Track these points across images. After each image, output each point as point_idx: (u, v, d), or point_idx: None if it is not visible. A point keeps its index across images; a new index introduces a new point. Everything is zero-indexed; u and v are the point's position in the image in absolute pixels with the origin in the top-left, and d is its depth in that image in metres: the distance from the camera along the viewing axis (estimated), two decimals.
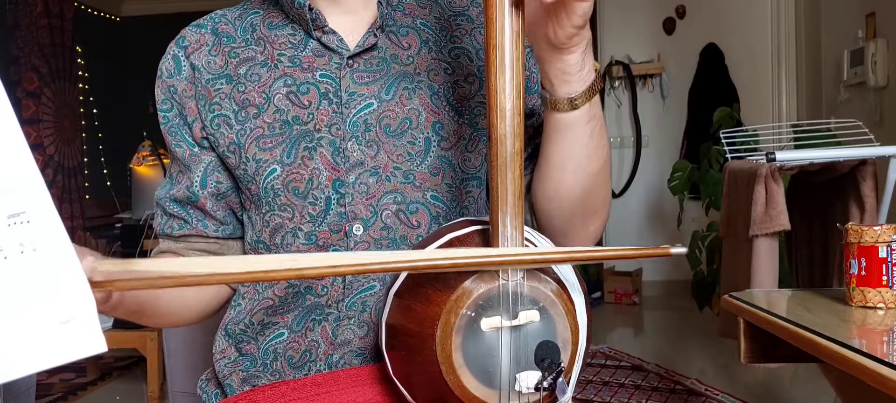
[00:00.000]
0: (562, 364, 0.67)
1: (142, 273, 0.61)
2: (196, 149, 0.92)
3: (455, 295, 0.66)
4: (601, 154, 0.81)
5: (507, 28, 0.66)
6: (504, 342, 0.67)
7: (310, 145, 0.86)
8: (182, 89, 0.91)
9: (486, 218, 0.76)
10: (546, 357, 0.67)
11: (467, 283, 0.66)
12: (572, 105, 0.75)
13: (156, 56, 0.93)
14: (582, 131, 0.78)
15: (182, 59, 0.91)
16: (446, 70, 0.90)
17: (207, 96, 0.90)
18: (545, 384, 0.66)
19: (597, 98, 0.77)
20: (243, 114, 0.88)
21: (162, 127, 0.93)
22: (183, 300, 0.91)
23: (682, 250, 0.64)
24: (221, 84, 0.89)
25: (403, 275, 0.73)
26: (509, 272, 0.67)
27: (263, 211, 0.89)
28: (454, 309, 0.66)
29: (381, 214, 0.86)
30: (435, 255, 0.70)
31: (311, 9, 0.87)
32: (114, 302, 0.72)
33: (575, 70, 0.74)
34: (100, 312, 0.69)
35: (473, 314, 0.66)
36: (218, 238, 0.95)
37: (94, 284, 0.57)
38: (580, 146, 0.79)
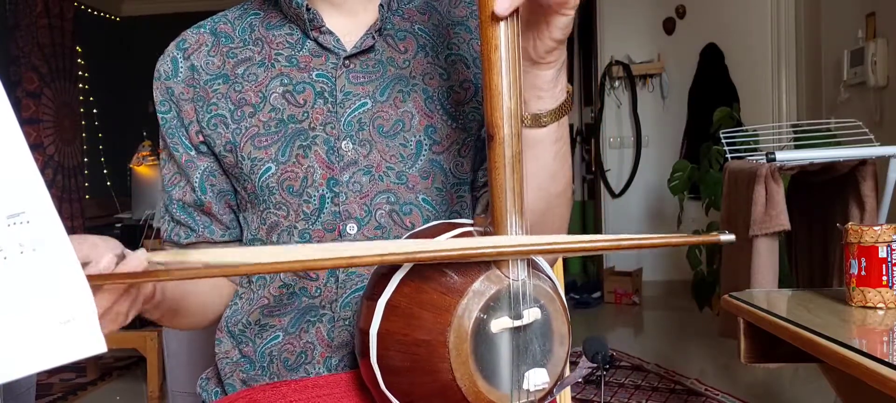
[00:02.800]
0: (613, 355, 0.68)
1: (194, 263, 0.64)
2: (192, 153, 0.92)
3: (466, 298, 0.65)
4: (563, 176, 0.80)
5: (504, 29, 0.65)
6: (512, 341, 0.67)
7: (304, 143, 0.86)
8: (179, 92, 0.91)
9: (463, 221, 0.75)
10: (599, 351, 0.67)
11: (476, 285, 0.65)
12: (540, 122, 0.74)
13: (156, 56, 0.93)
14: (547, 150, 0.77)
15: (180, 60, 0.92)
16: (442, 75, 0.90)
17: (205, 97, 0.90)
18: (600, 374, 0.67)
19: (565, 120, 0.76)
20: (239, 114, 0.88)
21: (162, 127, 0.93)
22: (204, 301, 0.92)
23: (731, 237, 0.65)
24: (219, 84, 0.90)
25: (394, 282, 0.70)
26: (518, 270, 0.66)
27: (260, 209, 0.89)
28: (467, 312, 0.65)
29: (375, 213, 0.86)
30: (465, 244, 0.68)
31: (308, 9, 0.87)
32: (156, 301, 0.74)
33: (548, 86, 0.73)
34: (143, 310, 0.71)
35: (485, 316, 0.66)
36: (226, 242, 0.95)
37: (149, 275, 0.61)
38: (543, 164, 0.78)
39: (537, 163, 0.77)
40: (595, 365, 0.69)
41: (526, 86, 0.73)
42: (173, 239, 0.96)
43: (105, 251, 0.63)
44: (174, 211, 0.94)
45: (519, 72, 0.67)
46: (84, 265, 0.61)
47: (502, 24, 0.65)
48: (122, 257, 0.63)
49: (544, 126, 0.75)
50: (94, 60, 5.31)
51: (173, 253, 0.66)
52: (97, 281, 0.60)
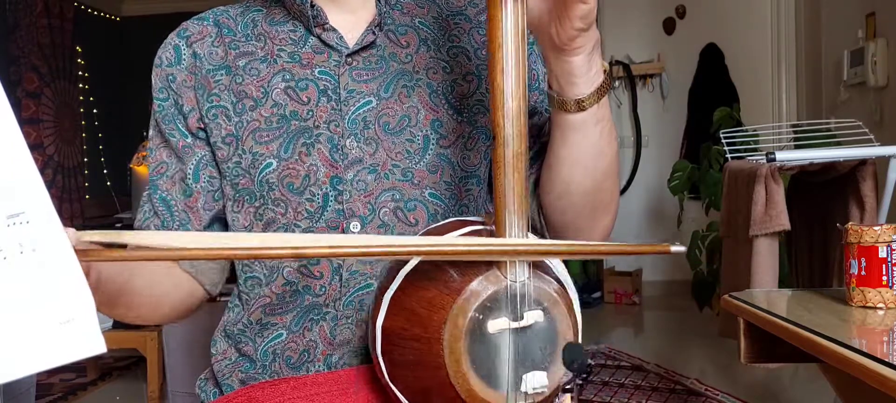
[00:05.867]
0: (592, 364, 0.67)
1: (128, 243, 0.58)
2: (189, 139, 0.91)
3: (463, 297, 0.65)
4: (610, 152, 0.81)
5: (510, 27, 0.66)
6: (510, 343, 0.67)
7: (308, 141, 0.86)
8: (181, 79, 0.90)
9: (474, 219, 0.75)
10: (575, 359, 0.67)
11: (474, 285, 0.66)
12: (580, 107, 0.75)
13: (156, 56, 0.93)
14: (591, 131, 0.78)
15: (183, 48, 0.91)
16: (445, 69, 0.90)
17: (207, 86, 0.89)
18: (575, 384, 0.67)
19: (606, 98, 0.77)
20: (240, 106, 0.88)
21: (157, 114, 0.92)
22: (152, 293, 0.87)
23: (682, 249, 0.65)
24: (221, 75, 0.90)
25: (400, 278, 0.71)
26: (517, 271, 0.66)
27: (256, 205, 0.88)
28: (462, 311, 0.65)
29: (379, 212, 0.86)
30: (455, 242, 0.68)
31: (312, 6, 0.88)
32: (92, 283, 0.68)
33: (581, 73, 0.73)
34: None
35: (481, 316, 0.66)
36: None
37: (81, 255, 0.55)
38: (589, 145, 0.79)
39: (584, 145, 0.78)
40: (572, 374, 0.69)
41: (559, 73, 0.74)
42: (144, 228, 0.93)
43: None
44: (155, 200, 0.92)
45: (524, 71, 0.67)
46: None
47: (508, 22, 0.65)
48: None
49: (585, 109, 0.75)
50: (94, 60, 5.31)
51: (105, 233, 0.60)
52: None
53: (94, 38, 5.37)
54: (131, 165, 3.79)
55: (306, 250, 0.61)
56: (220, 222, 0.94)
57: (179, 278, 0.92)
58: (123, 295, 0.80)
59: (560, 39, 0.71)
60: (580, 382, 0.68)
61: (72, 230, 0.59)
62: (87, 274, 0.66)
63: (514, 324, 0.66)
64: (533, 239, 0.70)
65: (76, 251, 0.56)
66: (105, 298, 0.75)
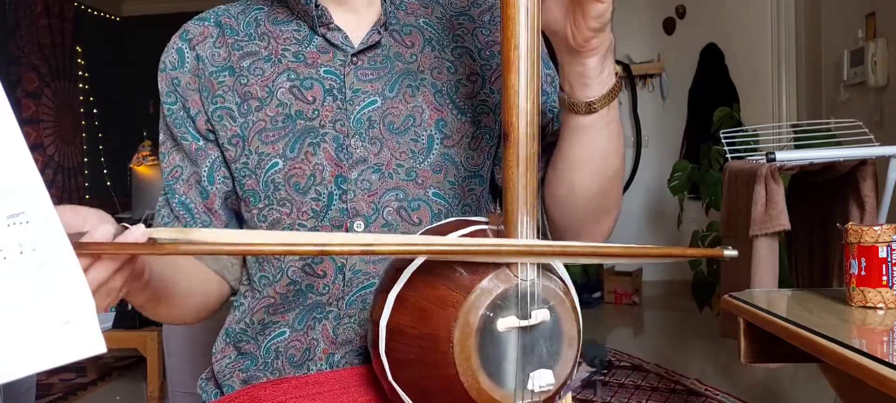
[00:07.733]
0: (611, 361, 0.67)
1: (199, 240, 0.61)
2: (201, 143, 0.91)
3: (473, 295, 0.65)
4: (618, 155, 0.81)
5: (525, 27, 0.66)
6: (518, 341, 0.67)
7: (314, 140, 0.86)
8: (185, 82, 0.90)
9: (477, 219, 0.75)
10: (597, 355, 0.67)
11: (484, 282, 0.66)
12: (590, 109, 0.75)
13: (156, 56, 0.93)
14: (600, 134, 0.78)
15: (186, 51, 0.91)
16: (449, 69, 0.91)
17: (211, 88, 0.89)
18: (597, 378, 0.67)
19: (615, 101, 0.77)
20: (245, 107, 0.88)
21: (168, 119, 0.92)
22: (188, 291, 0.89)
23: (733, 253, 0.65)
24: (224, 76, 0.89)
25: (406, 275, 0.71)
26: (527, 270, 0.66)
27: (261, 205, 0.88)
28: (473, 309, 0.65)
29: (383, 211, 0.86)
30: (476, 242, 0.68)
31: (317, 5, 0.88)
32: (144, 281, 0.71)
33: (594, 74, 0.73)
34: (130, 289, 0.69)
35: (491, 314, 0.66)
36: None
37: (145, 247, 0.58)
38: (598, 148, 0.79)
39: (592, 147, 0.79)
40: (593, 370, 0.70)
41: (572, 75, 0.74)
42: None
43: (99, 222, 0.60)
44: (174, 205, 0.93)
45: (537, 71, 0.67)
46: (79, 235, 0.59)
47: (522, 23, 0.66)
48: (120, 230, 0.61)
49: (596, 112, 0.75)
50: (94, 60, 5.31)
51: (177, 230, 0.64)
52: (95, 250, 0.59)
53: (94, 38, 5.37)
54: (131, 165, 3.79)
55: (375, 247, 0.62)
56: (240, 220, 0.94)
57: (208, 275, 0.93)
58: (168, 291, 0.82)
59: (575, 41, 0.71)
60: (599, 378, 0.69)
61: (141, 226, 0.61)
62: (142, 273, 0.69)
63: (523, 322, 0.66)
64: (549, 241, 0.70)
65: (139, 244, 0.60)
66: (153, 296, 0.78)
